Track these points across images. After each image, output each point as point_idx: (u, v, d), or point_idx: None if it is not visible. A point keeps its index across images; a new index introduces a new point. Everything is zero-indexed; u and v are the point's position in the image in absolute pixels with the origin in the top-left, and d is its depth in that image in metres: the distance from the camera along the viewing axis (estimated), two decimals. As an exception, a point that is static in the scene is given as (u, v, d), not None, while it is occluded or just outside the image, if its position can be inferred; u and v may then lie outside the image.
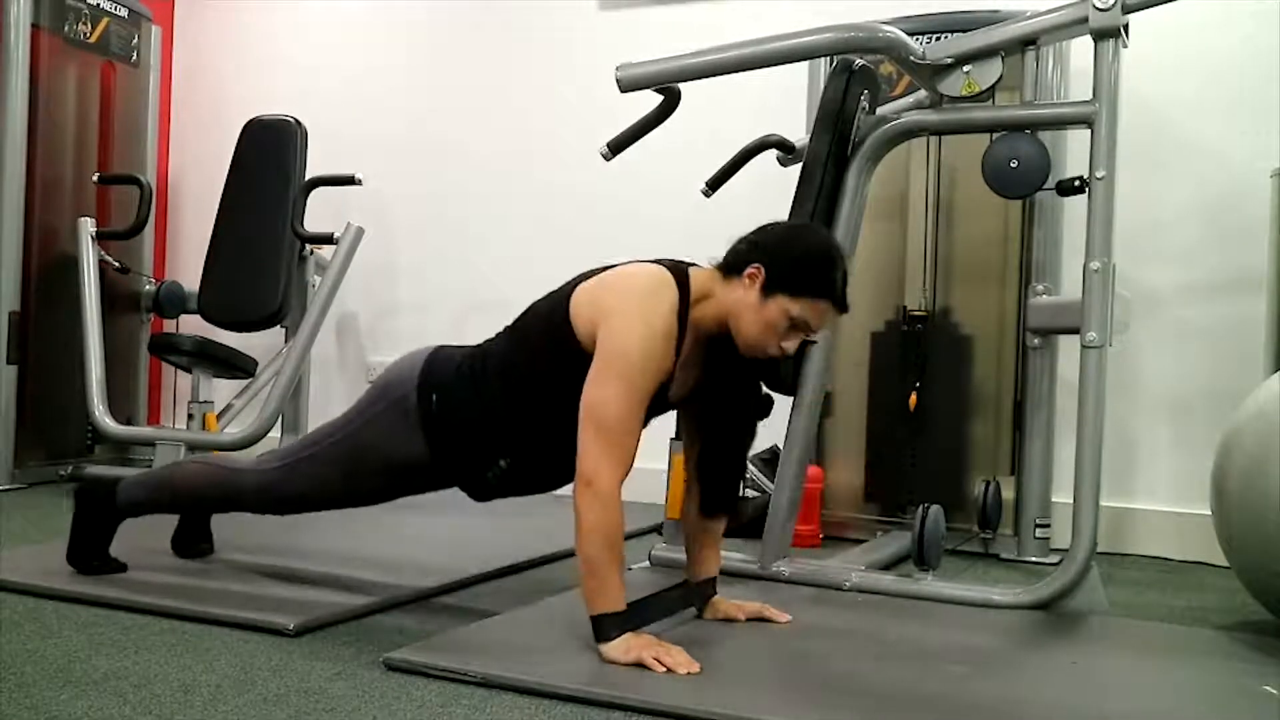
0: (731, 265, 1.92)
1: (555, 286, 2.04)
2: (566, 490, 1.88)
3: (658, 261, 1.95)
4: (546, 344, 1.94)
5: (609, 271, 1.95)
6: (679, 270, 1.92)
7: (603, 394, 1.80)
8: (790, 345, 1.89)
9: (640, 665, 1.72)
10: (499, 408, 1.96)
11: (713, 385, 2.01)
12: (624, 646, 1.75)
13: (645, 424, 1.95)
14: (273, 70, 4.64)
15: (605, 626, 1.77)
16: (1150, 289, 3.27)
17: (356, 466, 2.07)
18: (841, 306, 1.91)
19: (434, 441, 2.00)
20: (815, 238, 1.98)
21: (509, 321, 2.11)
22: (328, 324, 4.22)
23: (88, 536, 2.28)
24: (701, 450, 2.07)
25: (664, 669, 1.70)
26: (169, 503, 2.33)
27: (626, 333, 1.82)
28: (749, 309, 1.87)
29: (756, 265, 1.87)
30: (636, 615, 1.84)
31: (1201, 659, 2.04)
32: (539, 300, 2.04)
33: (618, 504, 1.78)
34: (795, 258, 1.88)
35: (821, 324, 1.91)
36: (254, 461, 2.19)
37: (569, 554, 2.53)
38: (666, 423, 2.74)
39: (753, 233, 1.97)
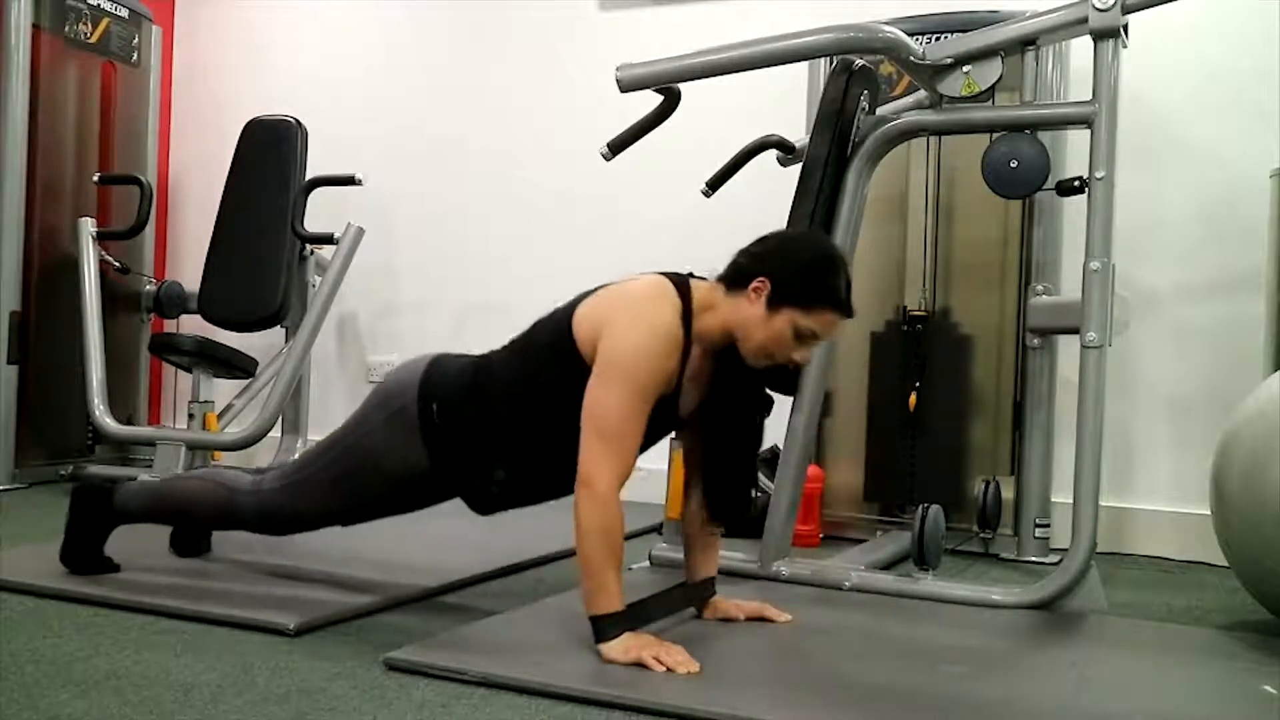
0: (734, 278, 1.91)
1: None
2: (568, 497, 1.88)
3: (658, 273, 1.95)
4: (549, 358, 1.93)
5: (610, 286, 1.96)
6: (680, 281, 1.92)
7: (604, 396, 1.80)
8: (801, 355, 1.90)
9: (640, 665, 1.72)
10: (500, 419, 1.95)
11: (720, 397, 2.00)
12: (623, 646, 1.75)
13: (655, 440, 1.96)
14: (273, 70, 4.64)
15: (604, 627, 1.77)
16: (1150, 289, 3.27)
17: (356, 481, 2.05)
18: (847, 313, 1.90)
19: (434, 452, 1.99)
20: (817, 246, 1.97)
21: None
22: (328, 324, 4.22)
23: (82, 537, 2.27)
24: (709, 458, 2.04)
25: (664, 669, 1.71)
26: (167, 516, 2.33)
27: (628, 336, 1.82)
28: (756, 323, 1.87)
29: (761, 279, 1.87)
30: (636, 615, 1.84)
31: (1201, 659, 2.04)
32: (543, 316, 2.02)
33: (616, 505, 1.78)
34: (799, 269, 1.88)
35: (830, 333, 1.90)
36: (253, 481, 2.15)
37: (569, 554, 2.53)
38: (666, 423, 2.74)
39: (753, 244, 1.96)
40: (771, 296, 1.85)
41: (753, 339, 1.88)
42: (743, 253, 1.95)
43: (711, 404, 2.01)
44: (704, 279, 1.98)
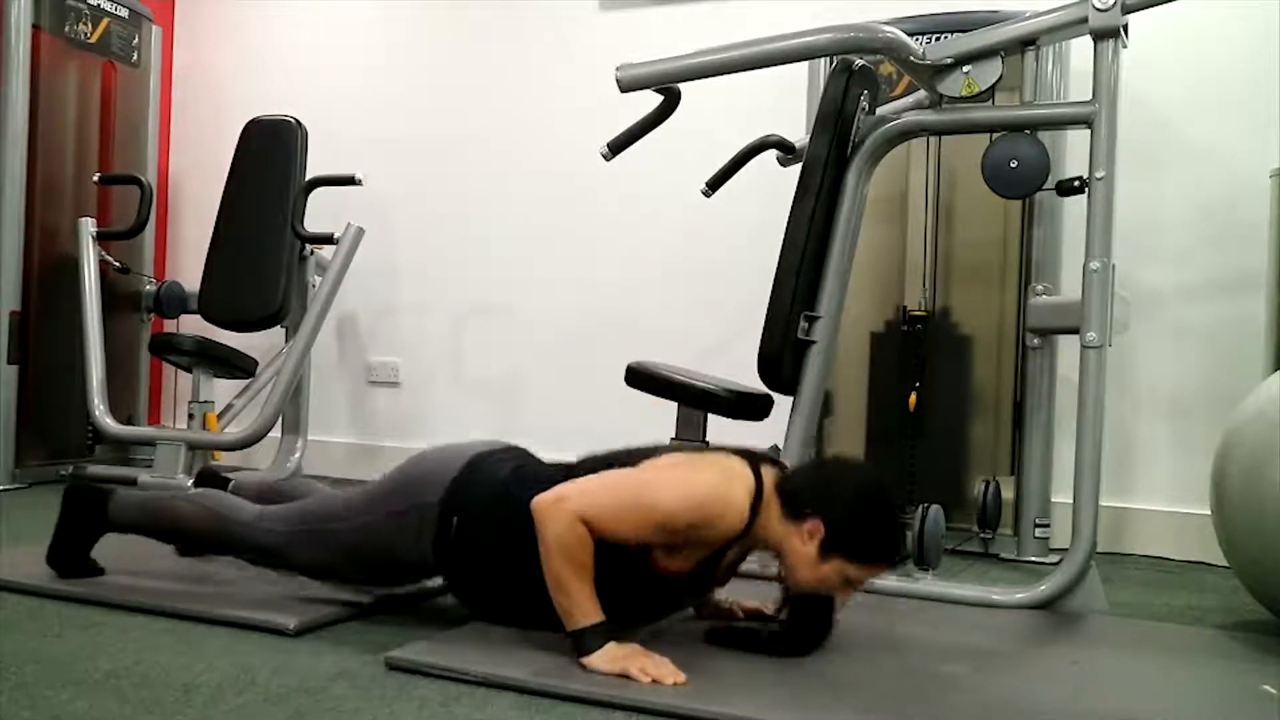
0: (792, 506, 1.84)
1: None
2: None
3: (726, 449, 1.91)
4: None
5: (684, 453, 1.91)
6: (754, 466, 1.87)
7: (645, 474, 1.80)
8: (843, 597, 1.87)
9: (626, 676, 1.68)
10: (523, 553, 1.82)
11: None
12: (608, 656, 1.71)
13: (677, 604, 1.97)
14: (273, 70, 4.64)
15: (585, 640, 1.73)
16: (1150, 289, 3.27)
17: (359, 554, 2.02)
18: (898, 565, 1.89)
19: (440, 559, 1.95)
20: (874, 496, 1.85)
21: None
22: (328, 324, 4.23)
23: (71, 539, 2.25)
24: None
25: (649, 680, 1.66)
26: (162, 533, 2.28)
27: (700, 475, 1.80)
28: (806, 562, 1.82)
29: (816, 521, 1.80)
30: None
31: (1201, 659, 2.04)
32: (599, 454, 1.95)
33: (581, 526, 1.73)
34: (856, 525, 1.81)
35: (875, 579, 1.87)
36: (257, 516, 2.11)
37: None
38: (666, 423, 2.75)
39: (813, 470, 1.94)
40: (825, 543, 1.80)
41: (801, 577, 1.84)
42: (805, 479, 1.90)
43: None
44: (776, 463, 1.94)
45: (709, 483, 1.80)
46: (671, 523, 1.77)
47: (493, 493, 1.93)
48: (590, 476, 1.82)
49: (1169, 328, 3.29)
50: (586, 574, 1.74)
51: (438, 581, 2.07)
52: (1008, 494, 3.12)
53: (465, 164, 4.28)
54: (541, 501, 1.76)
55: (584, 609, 1.74)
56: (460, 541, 1.92)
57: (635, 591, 1.84)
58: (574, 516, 1.74)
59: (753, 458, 1.90)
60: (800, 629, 1.92)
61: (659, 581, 1.85)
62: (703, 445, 2.67)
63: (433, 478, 1.96)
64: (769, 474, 1.88)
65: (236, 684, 1.66)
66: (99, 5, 4.03)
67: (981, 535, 3.10)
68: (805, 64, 3.32)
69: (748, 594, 2.20)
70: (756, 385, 2.63)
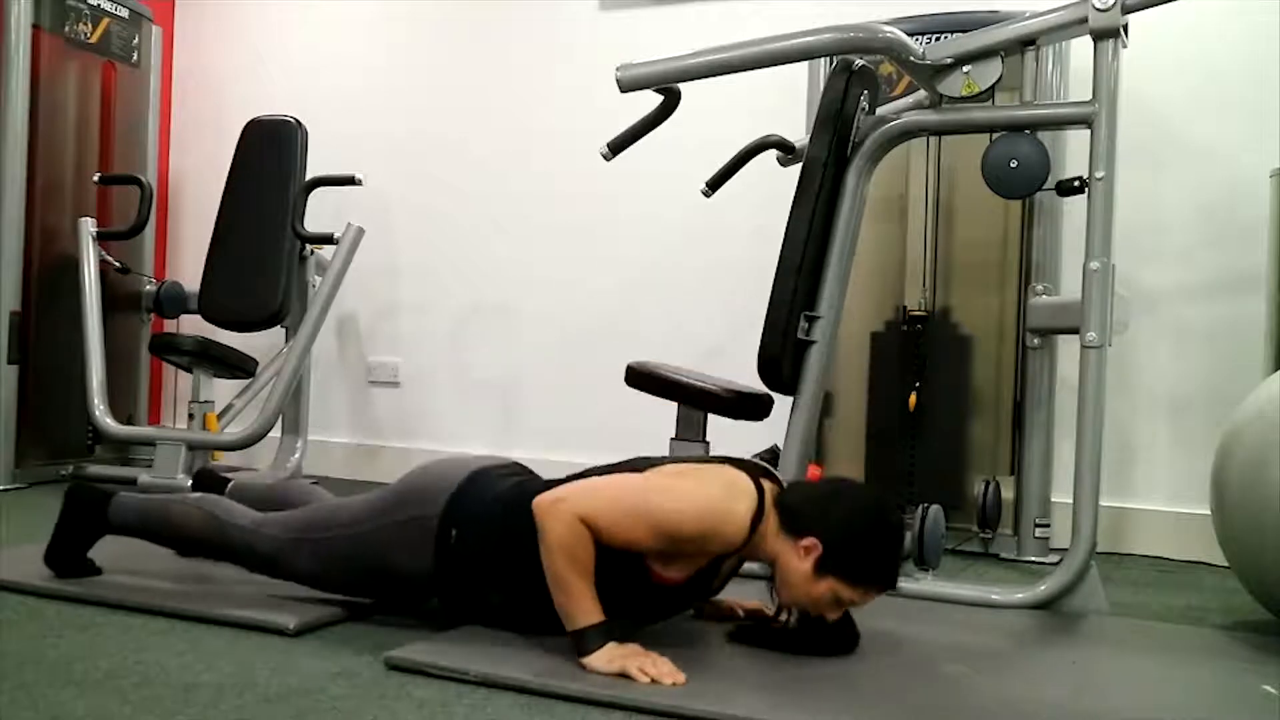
0: (791, 522, 1.84)
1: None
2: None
3: (727, 460, 1.91)
4: None
5: (682, 464, 1.91)
6: (756, 480, 1.86)
7: (648, 481, 1.79)
8: (833, 616, 1.86)
9: (625, 675, 1.68)
10: (518, 560, 1.86)
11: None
12: (607, 656, 1.71)
13: (674, 611, 1.95)
14: (273, 70, 4.64)
15: (586, 639, 1.73)
16: (1150, 289, 3.27)
17: (356, 562, 2.01)
18: (893, 588, 1.87)
19: (440, 568, 1.94)
20: (877, 520, 1.85)
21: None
22: (328, 324, 4.23)
23: (70, 539, 2.25)
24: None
25: (648, 679, 1.67)
26: (160, 538, 2.27)
27: (696, 490, 1.80)
28: (800, 578, 1.82)
29: (814, 539, 1.81)
30: (620, 624, 1.80)
31: (1201, 659, 2.04)
32: (600, 467, 1.96)
33: (581, 526, 1.74)
34: (856, 547, 1.81)
35: (867, 602, 1.87)
36: (257, 522, 2.11)
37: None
38: (666, 423, 2.75)
39: (817, 489, 1.91)
40: (821, 562, 1.80)
41: (792, 593, 1.85)
42: (806, 496, 1.89)
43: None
44: (773, 475, 1.93)
45: (711, 495, 1.80)
46: (671, 531, 1.77)
47: (491, 507, 1.93)
48: (594, 479, 1.82)
49: (1169, 328, 3.29)
50: (587, 573, 1.75)
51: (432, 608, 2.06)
52: (1008, 494, 3.12)
53: (465, 164, 4.28)
54: (542, 501, 1.77)
55: (584, 608, 1.74)
56: (459, 553, 1.92)
57: (630, 598, 1.83)
58: (574, 516, 1.74)
59: (754, 470, 1.90)
60: (823, 629, 1.90)
61: (654, 589, 1.85)
62: (704, 445, 2.67)
63: (433, 490, 1.96)
64: (769, 488, 1.88)
65: (236, 684, 1.66)
66: (99, 5, 4.03)
67: (981, 535, 3.10)
68: (805, 64, 3.32)
69: (748, 594, 2.20)
70: (756, 385, 2.63)
